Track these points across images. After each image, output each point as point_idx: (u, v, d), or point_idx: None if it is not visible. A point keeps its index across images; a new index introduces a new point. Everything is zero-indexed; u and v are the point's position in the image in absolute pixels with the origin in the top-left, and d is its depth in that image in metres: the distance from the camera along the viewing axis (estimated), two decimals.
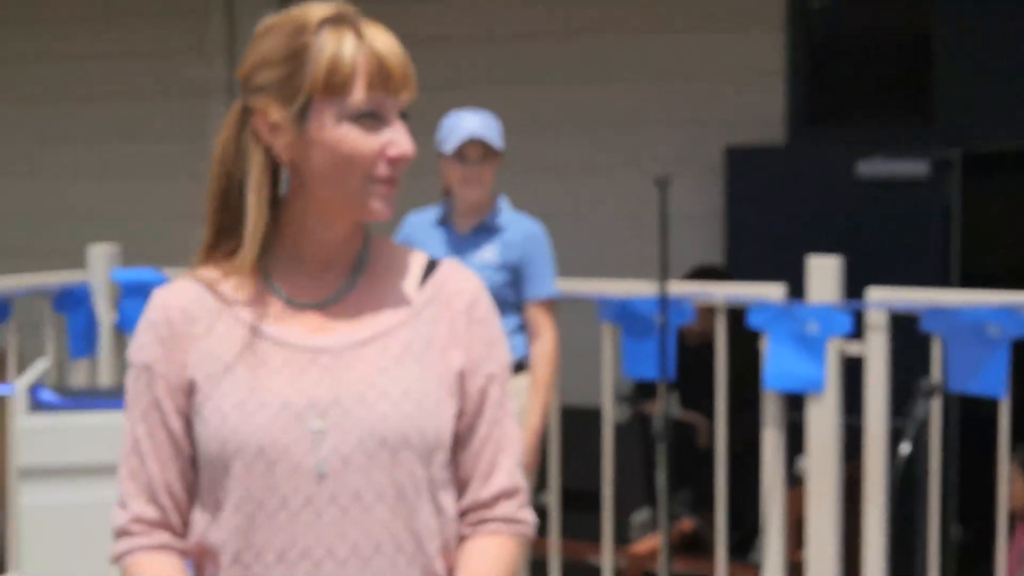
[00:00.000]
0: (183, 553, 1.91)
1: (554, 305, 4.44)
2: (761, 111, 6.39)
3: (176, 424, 1.89)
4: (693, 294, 4.71)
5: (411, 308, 1.92)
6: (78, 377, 5.30)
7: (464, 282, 1.96)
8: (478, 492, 1.93)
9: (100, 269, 5.31)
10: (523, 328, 4.41)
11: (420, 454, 1.85)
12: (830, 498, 4.44)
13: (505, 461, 1.94)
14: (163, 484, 1.89)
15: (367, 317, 1.91)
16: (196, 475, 1.90)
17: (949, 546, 5.94)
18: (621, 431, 4.96)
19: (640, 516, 5.13)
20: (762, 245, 6.21)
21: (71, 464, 4.23)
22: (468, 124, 4.34)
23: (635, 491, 5.12)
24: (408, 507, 1.85)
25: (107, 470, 3.79)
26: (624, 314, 4.70)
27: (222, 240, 1.92)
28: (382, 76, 1.83)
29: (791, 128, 6.40)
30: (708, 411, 4.80)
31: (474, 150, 4.34)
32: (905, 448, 3.92)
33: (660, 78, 6.57)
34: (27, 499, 4.26)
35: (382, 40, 1.85)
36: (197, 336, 1.89)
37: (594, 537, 4.81)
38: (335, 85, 1.82)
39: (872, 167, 6.12)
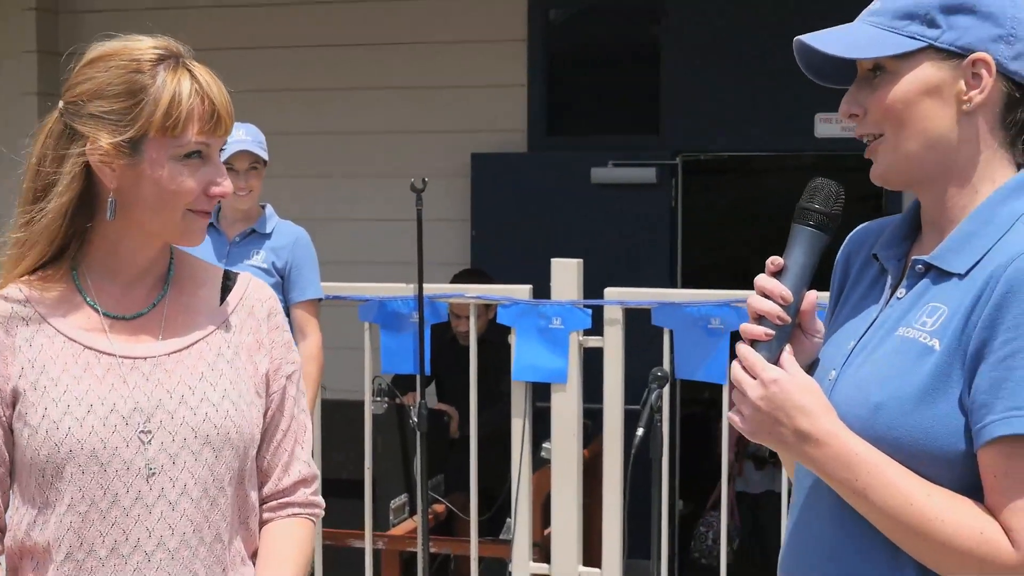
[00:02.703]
0: (0, 553, 2.03)
1: (319, 306, 4.70)
2: (505, 121, 6.79)
3: None
4: (447, 294, 5.06)
5: (219, 317, 2.10)
6: None
7: (261, 292, 2.17)
8: (279, 480, 2.13)
9: None
10: (289, 328, 4.66)
11: (238, 450, 2.03)
12: (572, 478, 4.82)
13: (301, 452, 2.16)
14: None
15: (180, 327, 2.05)
16: (13, 479, 2.02)
17: (675, 517, 6.49)
18: (379, 422, 5.24)
19: (397, 501, 5.39)
20: (506, 246, 6.63)
21: None
22: (236, 136, 4.56)
23: (392, 478, 5.38)
24: (227, 498, 2.03)
25: None
26: (383, 314, 5.01)
27: (34, 252, 2.01)
28: (213, 120, 1.97)
29: (532, 137, 6.83)
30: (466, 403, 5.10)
31: (242, 161, 4.57)
32: (640, 431, 4.33)
33: (411, 88, 6.90)
34: None
35: (213, 85, 2.00)
36: (18, 348, 1.98)
37: (355, 523, 5.06)
38: (171, 127, 1.94)
39: (605, 173, 6.63)
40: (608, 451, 4.79)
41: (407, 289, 4.95)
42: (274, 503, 2.14)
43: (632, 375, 4.79)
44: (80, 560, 1.96)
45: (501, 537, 5.27)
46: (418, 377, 4.91)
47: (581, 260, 4.88)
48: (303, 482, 2.16)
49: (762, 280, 1.76)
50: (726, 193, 8.11)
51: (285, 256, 4.63)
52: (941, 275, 1.71)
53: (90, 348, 2.00)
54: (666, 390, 4.39)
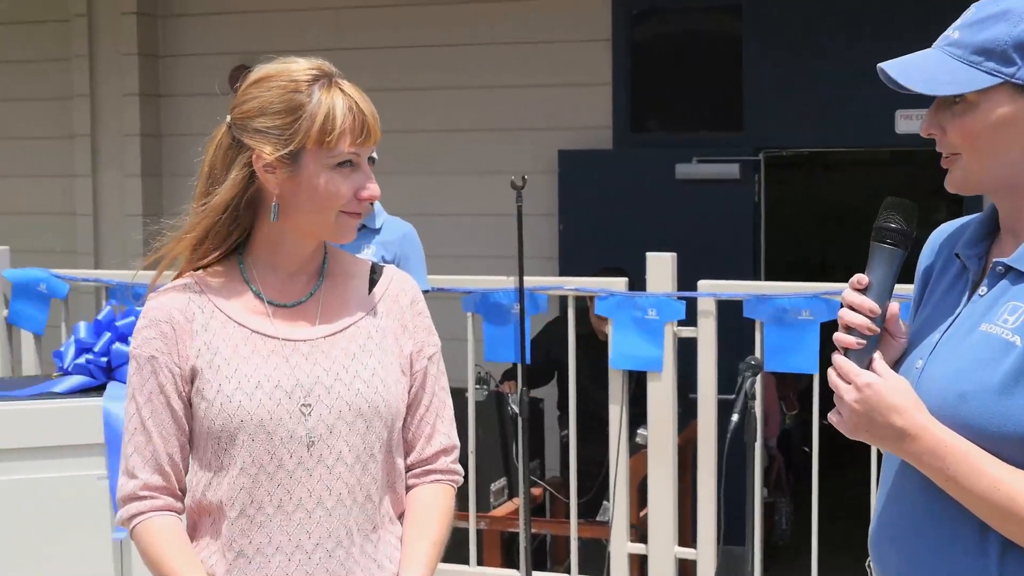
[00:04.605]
0: (181, 512, 2.32)
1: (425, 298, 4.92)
2: (591, 118, 7.00)
3: (178, 405, 2.25)
4: (546, 286, 5.28)
5: (368, 305, 2.36)
6: None
7: (405, 282, 2.43)
8: (422, 450, 2.39)
9: None
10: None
11: (386, 421, 2.30)
12: (668, 463, 5.02)
13: (442, 425, 2.41)
14: (167, 456, 2.26)
15: (334, 313, 2.32)
16: (192, 447, 2.31)
17: (764, 502, 6.67)
18: (479, 409, 5.47)
19: (497, 484, 5.63)
20: (592, 240, 6.84)
21: None
22: None
23: (492, 463, 5.61)
24: (377, 464, 2.30)
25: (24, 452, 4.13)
26: (485, 305, 5.24)
27: (205, 247, 2.31)
28: (363, 132, 2.23)
29: (617, 134, 7.03)
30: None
31: None
32: (735, 417, 4.51)
33: (501, 87, 7.13)
34: None
35: (361, 100, 2.27)
36: (195, 332, 2.26)
37: (459, 505, 5.26)
38: (327, 140, 2.20)
39: (689, 169, 6.82)
40: (702, 438, 4.97)
41: (508, 281, 5.18)
42: (418, 470, 2.39)
43: (720, 365, 4.94)
44: (251, 516, 2.23)
45: (598, 519, 5.49)
46: (519, 366, 5.13)
47: (675, 254, 5.07)
48: (444, 451, 2.40)
49: (850, 296, 1.95)
50: (808, 188, 8.30)
51: (394, 250, 4.86)
52: (1020, 276, 1.89)
53: (256, 332, 2.28)
54: (759, 379, 4.57)
